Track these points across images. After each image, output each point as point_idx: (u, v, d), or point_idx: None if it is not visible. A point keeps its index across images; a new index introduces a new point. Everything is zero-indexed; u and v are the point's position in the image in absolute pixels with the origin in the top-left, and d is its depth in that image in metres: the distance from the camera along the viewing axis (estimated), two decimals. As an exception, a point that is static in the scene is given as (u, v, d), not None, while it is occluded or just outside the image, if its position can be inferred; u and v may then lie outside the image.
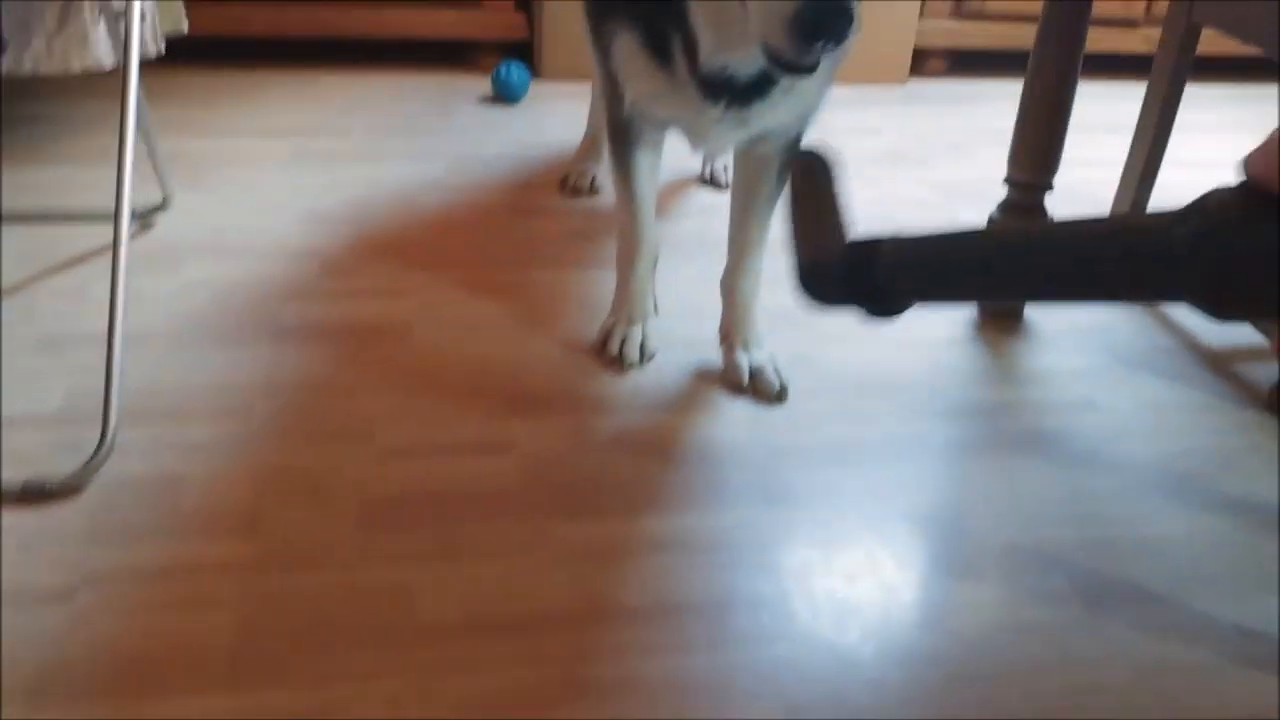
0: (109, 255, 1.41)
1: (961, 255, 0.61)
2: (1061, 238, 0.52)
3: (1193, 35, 1.77)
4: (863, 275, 0.61)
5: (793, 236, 0.68)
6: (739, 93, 1.30)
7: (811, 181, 0.70)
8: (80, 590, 1.11)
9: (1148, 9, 2.88)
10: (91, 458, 1.27)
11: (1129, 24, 2.88)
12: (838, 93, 2.47)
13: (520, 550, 1.21)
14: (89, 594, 1.11)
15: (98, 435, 1.29)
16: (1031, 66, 1.63)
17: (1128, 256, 0.46)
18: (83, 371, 1.43)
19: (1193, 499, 1.38)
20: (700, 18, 1.24)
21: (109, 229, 1.43)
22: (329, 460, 1.32)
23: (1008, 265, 0.56)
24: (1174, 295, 0.44)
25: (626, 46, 1.34)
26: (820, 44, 1.05)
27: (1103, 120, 2.35)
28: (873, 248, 0.61)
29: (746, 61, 1.26)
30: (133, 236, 1.73)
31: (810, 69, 1.13)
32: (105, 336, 1.35)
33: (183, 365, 1.49)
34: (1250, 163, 0.40)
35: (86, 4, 1.88)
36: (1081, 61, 1.61)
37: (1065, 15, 1.58)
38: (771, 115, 1.36)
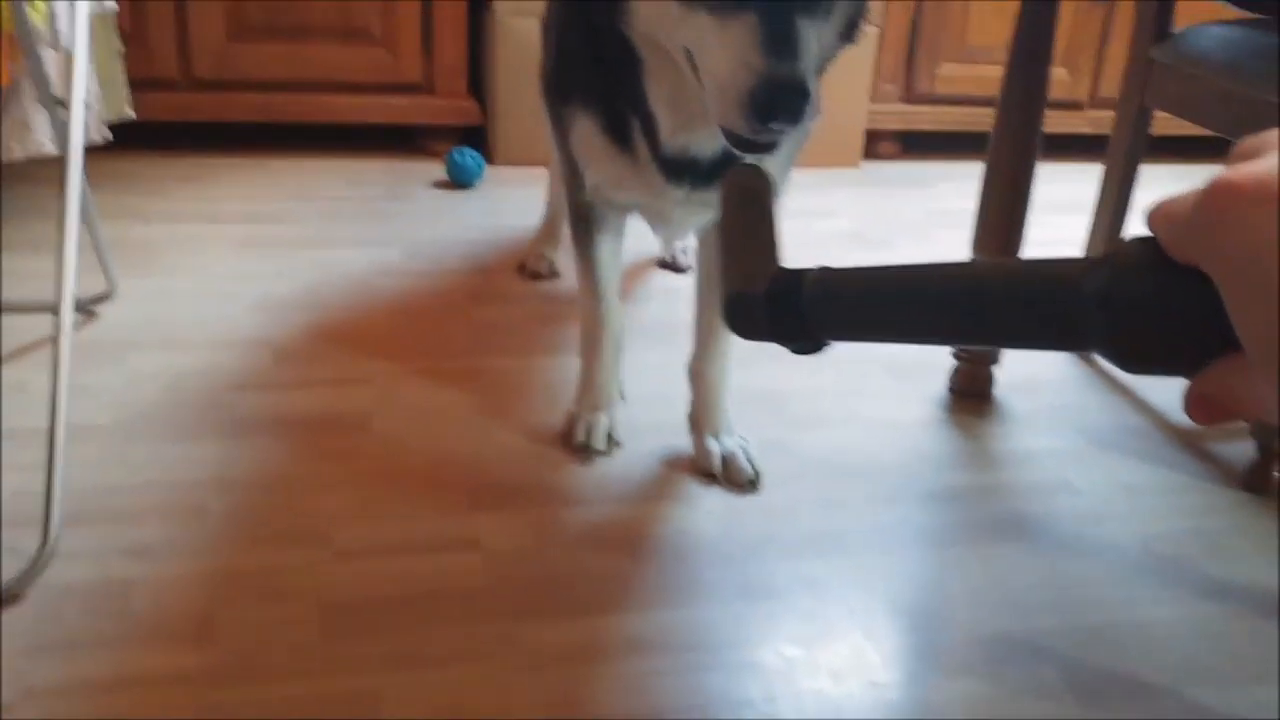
0: (51, 347, 1.35)
1: (881, 291, 0.59)
2: (978, 281, 0.52)
3: (1145, 117, 1.79)
4: (785, 306, 0.59)
5: (721, 260, 0.65)
6: (702, 174, 1.28)
7: (742, 203, 0.68)
8: (20, 706, 1.03)
9: (1093, 92, 2.94)
10: (32, 563, 1.19)
11: (1075, 106, 2.93)
12: (795, 175, 2.47)
13: (490, 654, 1.15)
14: (29, 709, 1.03)
15: (39, 538, 1.22)
16: (991, 152, 1.64)
17: (1041, 304, 0.47)
18: (23, 470, 1.35)
19: (1179, 583, 1.35)
20: (659, 99, 1.22)
21: (52, 320, 1.37)
22: (286, 561, 1.25)
23: (926, 305, 0.55)
24: (1086, 345, 0.43)
25: (585, 130, 1.32)
26: (776, 123, 1.03)
27: (1054, 200, 2.37)
28: (797, 278, 0.58)
29: (708, 142, 1.24)
30: (76, 327, 1.67)
31: (769, 148, 1.11)
32: (47, 433, 1.28)
33: (130, 462, 1.42)
34: (1151, 217, 0.40)
35: (27, 90, 1.83)
36: (1038, 150, 1.61)
37: (1022, 101, 1.59)
38: None
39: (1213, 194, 0.36)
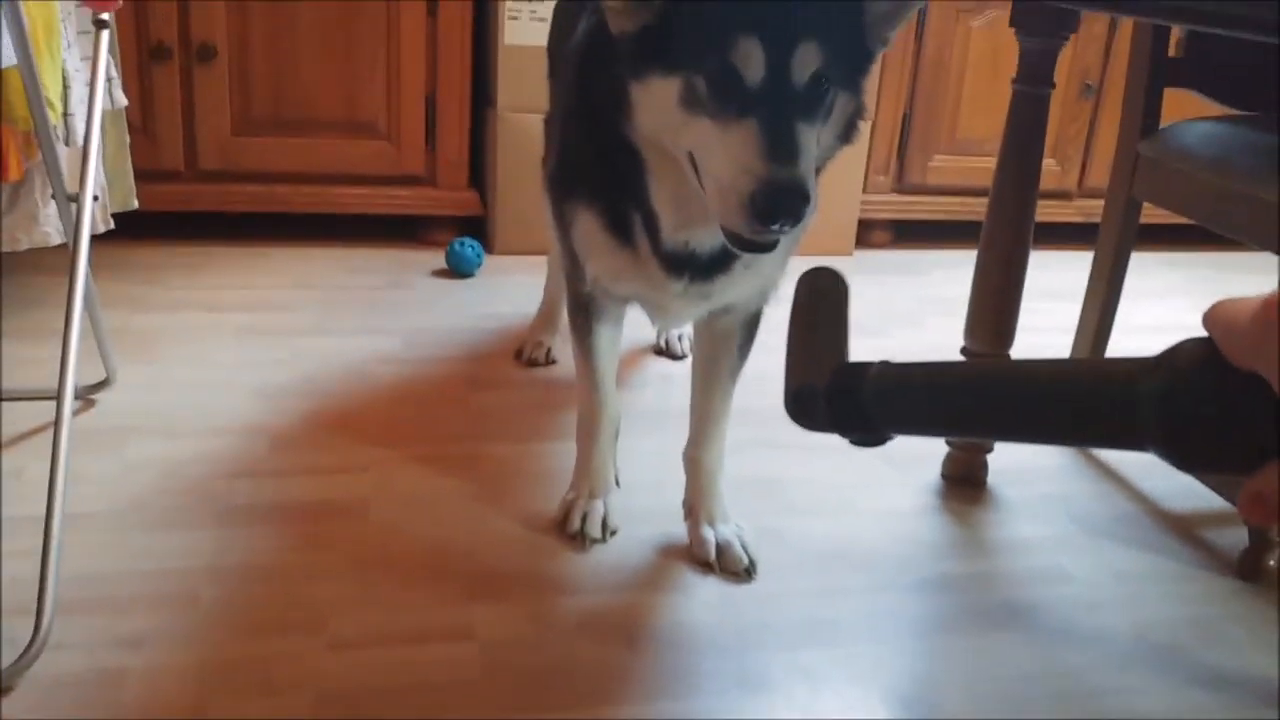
0: (49, 434, 1.36)
1: (941, 387, 0.61)
2: (1037, 380, 0.53)
3: (1134, 208, 1.83)
4: (847, 401, 0.60)
5: (787, 355, 0.67)
6: (701, 268, 1.30)
7: (813, 301, 0.70)
8: (3, 805, 1.02)
9: (1081, 182, 2.99)
10: (23, 654, 1.18)
11: (1064, 196, 2.98)
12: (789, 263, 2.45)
13: (484, 746, 1.14)
14: (13, 809, 1.01)
15: (31, 628, 1.21)
16: (983, 242, 1.67)
17: (1099, 404, 0.48)
18: (17, 557, 1.35)
19: (1174, 673, 1.35)
20: (662, 197, 1.24)
21: (50, 407, 1.38)
22: (280, 651, 1.25)
23: (984, 402, 0.57)
24: (1141, 445, 0.44)
25: (587, 225, 1.34)
26: (777, 225, 1.06)
27: (1044, 287, 2.40)
28: (859, 373, 0.60)
29: (708, 238, 1.27)
30: (74, 414, 1.67)
31: (769, 247, 1.14)
32: (42, 520, 1.28)
33: (124, 550, 1.42)
34: (1208, 319, 0.41)
35: (38, 183, 1.87)
36: (1030, 241, 1.65)
37: (1015, 193, 1.63)
38: (733, 289, 1.36)
39: (1270, 307, 0.38)
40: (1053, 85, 1.60)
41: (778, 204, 1.04)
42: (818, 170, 1.16)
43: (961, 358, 1.72)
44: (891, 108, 2.86)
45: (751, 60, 1.07)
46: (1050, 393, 0.50)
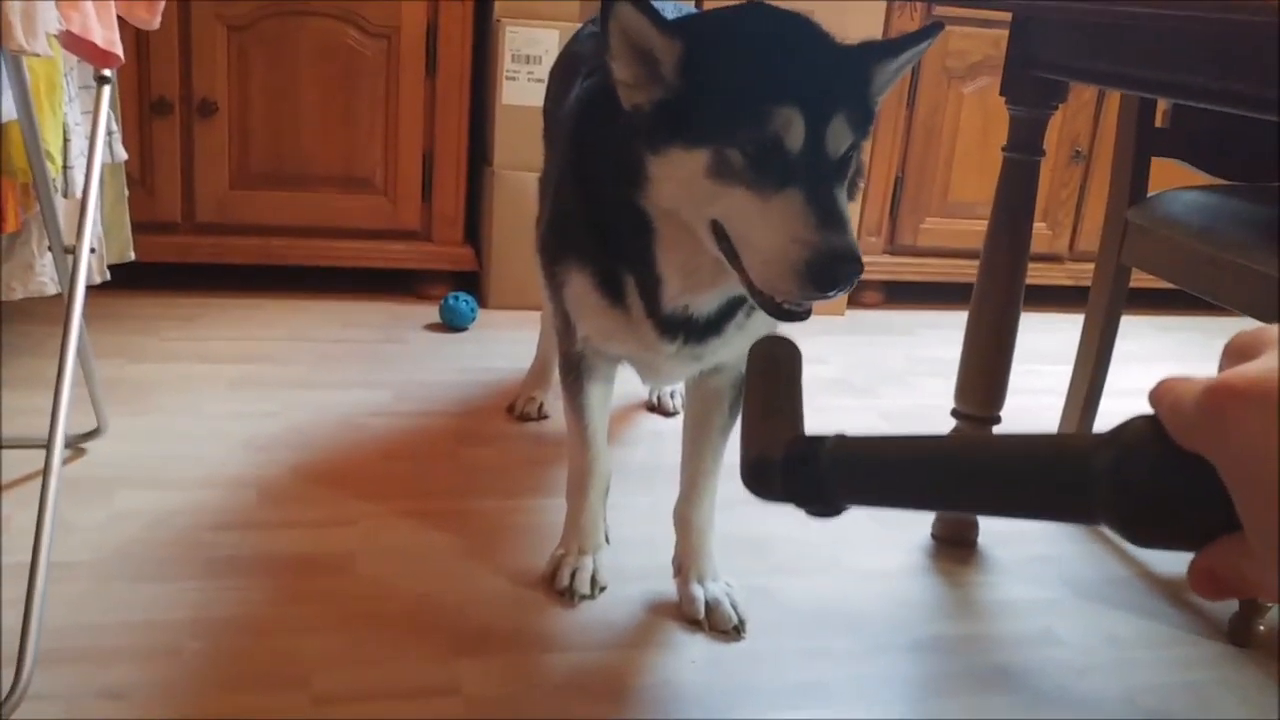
0: (37, 483, 1.35)
1: (896, 461, 0.61)
2: (993, 455, 0.54)
3: (1124, 273, 1.85)
4: (801, 473, 0.61)
5: (743, 425, 0.68)
6: (696, 331, 1.31)
7: (768, 371, 0.70)
8: None
9: (1072, 246, 3.02)
10: (1, 703, 1.17)
11: (1055, 259, 3.01)
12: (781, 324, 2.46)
13: (467, 806, 1.12)
14: None
15: (10, 679, 1.20)
16: (974, 306, 1.68)
17: (1052, 480, 0.48)
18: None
19: (1166, 739, 1.34)
20: (670, 265, 1.25)
21: (40, 455, 1.38)
22: (264, 706, 1.24)
23: (940, 476, 0.57)
24: (1095, 519, 0.45)
25: (579, 286, 1.35)
26: (834, 291, 1.07)
27: (1036, 349, 2.41)
28: (814, 445, 0.61)
29: (708, 302, 1.28)
30: (64, 463, 1.67)
31: (805, 316, 1.15)
32: (27, 569, 1.27)
33: (108, 600, 1.41)
34: (1154, 397, 0.42)
35: (35, 234, 1.88)
36: (1020, 304, 1.66)
37: (1006, 258, 1.64)
38: (724, 350, 1.37)
39: (1214, 394, 0.39)
40: (1042, 153, 1.62)
41: (835, 271, 1.06)
42: None
43: (952, 420, 1.73)
44: (884, 170, 2.89)
45: (793, 130, 1.08)
46: (1006, 468, 0.51)
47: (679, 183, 1.15)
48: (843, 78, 1.15)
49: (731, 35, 1.16)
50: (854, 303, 2.95)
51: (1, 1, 1.12)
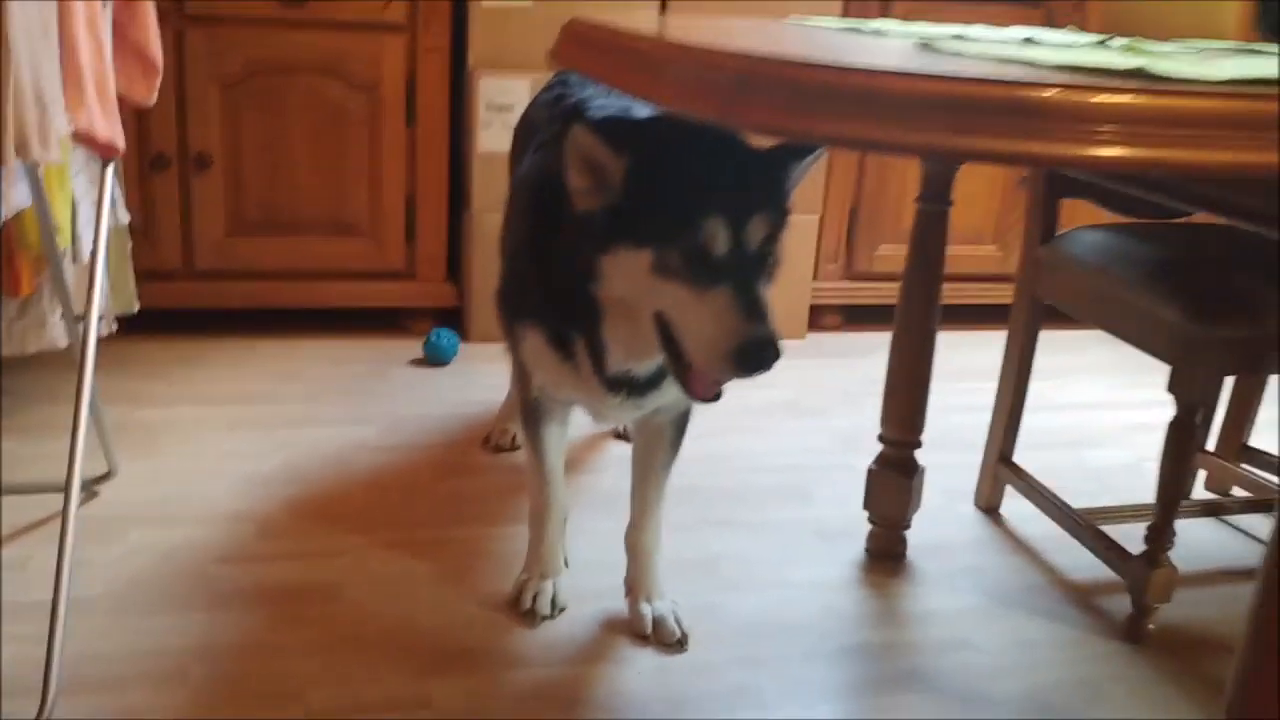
0: (54, 525, 1.53)
1: None
2: None
3: (1039, 304, 2.02)
4: None
5: None
6: (638, 386, 1.49)
7: None
8: None
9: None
10: (29, 730, 1.35)
11: (1005, 279, 3.16)
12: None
13: (436, 803, 1.30)
14: None
15: (35, 707, 1.37)
16: (893, 343, 1.87)
17: None
18: (22, 641, 1.52)
19: (1058, 731, 1.51)
20: (614, 338, 1.42)
21: (56, 499, 1.55)
22: (258, 721, 1.42)
23: None
24: None
25: (534, 342, 1.53)
26: (755, 372, 1.26)
27: (983, 367, 2.57)
28: None
29: (648, 365, 1.46)
30: (79, 506, 1.84)
31: (717, 399, 1.35)
32: (48, 606, 1.45)
33: (122, 632, 1.58)
34: None
35: (47, 294, 2.06)
36: (935, 341, 1.83)
37: (919, 303, 1.83)
38: (662, 398, 1.54)
39: None
40: (950, 203, 1.80)
41: (758, 356, 1.25)
42: None
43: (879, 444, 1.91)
44: (840, 201, 3.07)
45: (719, 237, 1.27)
46: None
47: (626, 277, 1.33)
48: (761, 182, 1.33)
49: (668, 151, 1.33)
50: (814, 326, 3.13)
51: (17, 116, 1.30)
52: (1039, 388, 2.74)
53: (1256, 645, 1.16)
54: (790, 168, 1.37)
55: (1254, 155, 0.77)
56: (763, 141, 1.33)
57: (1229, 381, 2.12)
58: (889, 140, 0.76)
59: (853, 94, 0.75)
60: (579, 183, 1.33)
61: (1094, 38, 1.54)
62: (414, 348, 2.79)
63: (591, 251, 1.34)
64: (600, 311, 1.40)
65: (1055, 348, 2.97)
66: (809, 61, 0.78)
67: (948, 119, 0.74)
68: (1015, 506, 2.11)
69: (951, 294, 3.08)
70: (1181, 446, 1.69)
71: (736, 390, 2.64)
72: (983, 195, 3.16)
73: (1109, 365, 2.96)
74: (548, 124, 1.66)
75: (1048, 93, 0.71)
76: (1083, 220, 2.00)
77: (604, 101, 1.57)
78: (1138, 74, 0.81)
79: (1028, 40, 1.44)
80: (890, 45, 1.15)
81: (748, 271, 1.28)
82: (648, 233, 1.29)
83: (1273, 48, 1.55)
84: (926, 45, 1.11)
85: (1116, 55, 1.05)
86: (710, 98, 0.83)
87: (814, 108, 0.76)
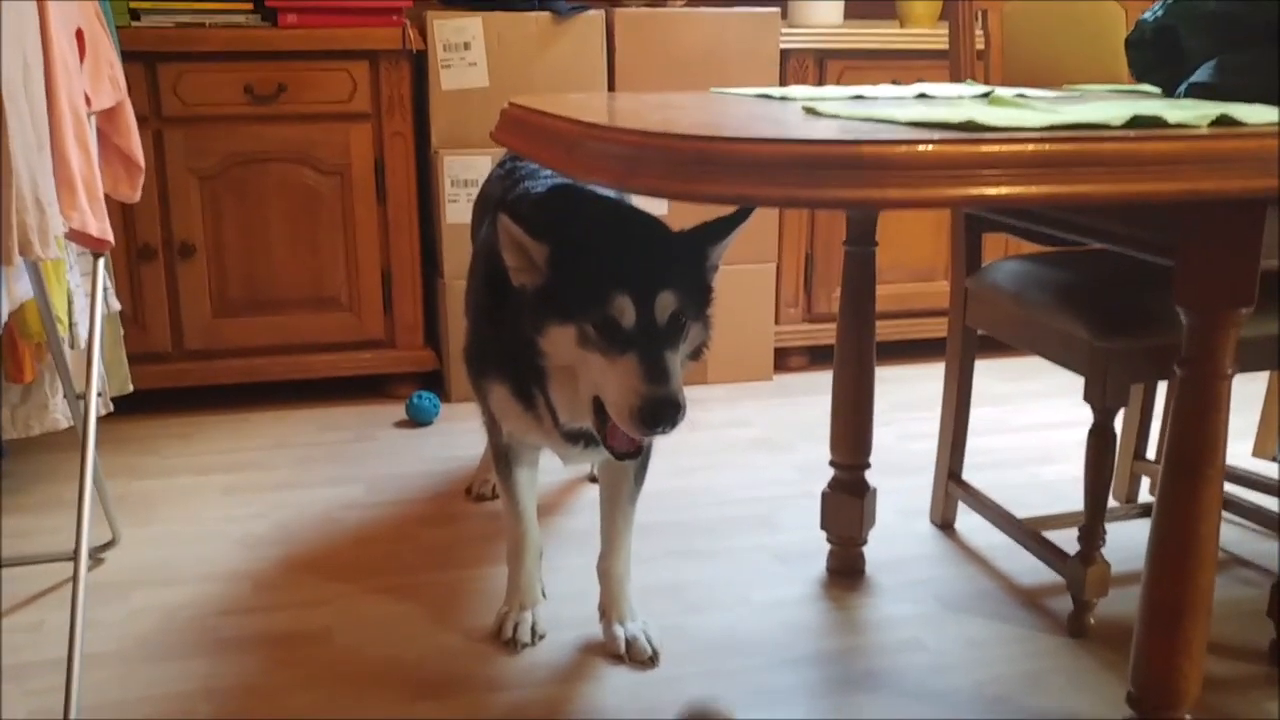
0: (62, 591, 1.66)
1: None
2: None
3: (971, 332, 2.18)
4: None
5: None
6: (593, 437, 1.63)
7: None
8: None
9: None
10: (53, 771, 1.47)
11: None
12: (715, 391, 2.89)
13: (427, 814, 1.42)
14: None
15: (57, 751, 1.50)
16: (834, 378, 2.01)
17: None
18: (40, 695, 1.65)
19: (1001, 717, 1.64)
20: (559, 399, 1.57)
21: (65, 568, 1.69)
22: (261, 752, 1.54)
23: None
24: None
25: (500, 395, 1.68)
26: (659, 429, 1.40)
27: (933, 397, 2.73)
28: None
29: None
30: (86, 572, 1.98)
31: (635, 455, 1.50)
32: (63, 663, 1.58)
33: (132, 681, 1.71)
34: None
35: (48, 379, 2.21)
36: (874, 370, 1.98)
37: (853, 336, 1.97)
38: None
39: None
40: (875, 244, 1.96)
41: (658, 414, 1.39)
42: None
43: (831, 469, 2.05)
44: (795, 249, 3.24)
45: (625, 311, 1.42)
46: None
47: (560, 350, 1.49)
48: (671, 262, 1.48)
49: (586, 235, 1.49)
50: (780, 368, 3.29)
51: (20, 219, 1.46)
52: (995, 412, 2.92)
53: (1146, 621, 1.31)
54: (708, 248, 1.54)
55: (1063, 187, 0.93)
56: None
57: (1164, 394, 2.28)
58: (756, 195, 0.92)
59: (722, 160, 0.91)
60: (512, 262, 1.50)
61: (981, 90, 1.71)
62: (397, 411, 2.94)
63: (530, 326, 1.50)
64: (547, 376, 1.55)
65: (1009, 374, 3.15)
66: (686, 134, 0.94)
67: (801, 174, 0.89)
68: (968, 522, 2.25)
69: (906, 329, 3.31)
70: (1101, 450, 1.83)
71: (709, 431, 2.81)
72: (930, 236, 3.33)
73: (1059, 388, 3.11)
74: (501, 196, 1.83)
75: (874, 149, 0.87)
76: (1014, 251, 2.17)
77: (548, 174, 1.74)
78: (967, 126, 0.97)
79: (921, 95, 1.62)
80: (785, 111, 1.32)
81: (655, 341, 1.43)
82: (570, 309, 1.45)
83: (1153, 90, 1.74)
84: (810, 110, 1.27)
85: (974, 108, 1.22)
86: (610, 169, 0.99)
87: (691, 174, 0.92)
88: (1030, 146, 0.92)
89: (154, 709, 1.64)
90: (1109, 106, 1.21)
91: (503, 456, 1.81)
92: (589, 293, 1.43)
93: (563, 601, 1.93)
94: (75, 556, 1.71)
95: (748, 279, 3.15)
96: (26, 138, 1.49)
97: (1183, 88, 1.56)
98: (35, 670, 1.73)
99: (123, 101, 1.94)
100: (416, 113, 2.95)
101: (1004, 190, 0.90)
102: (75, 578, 1.68)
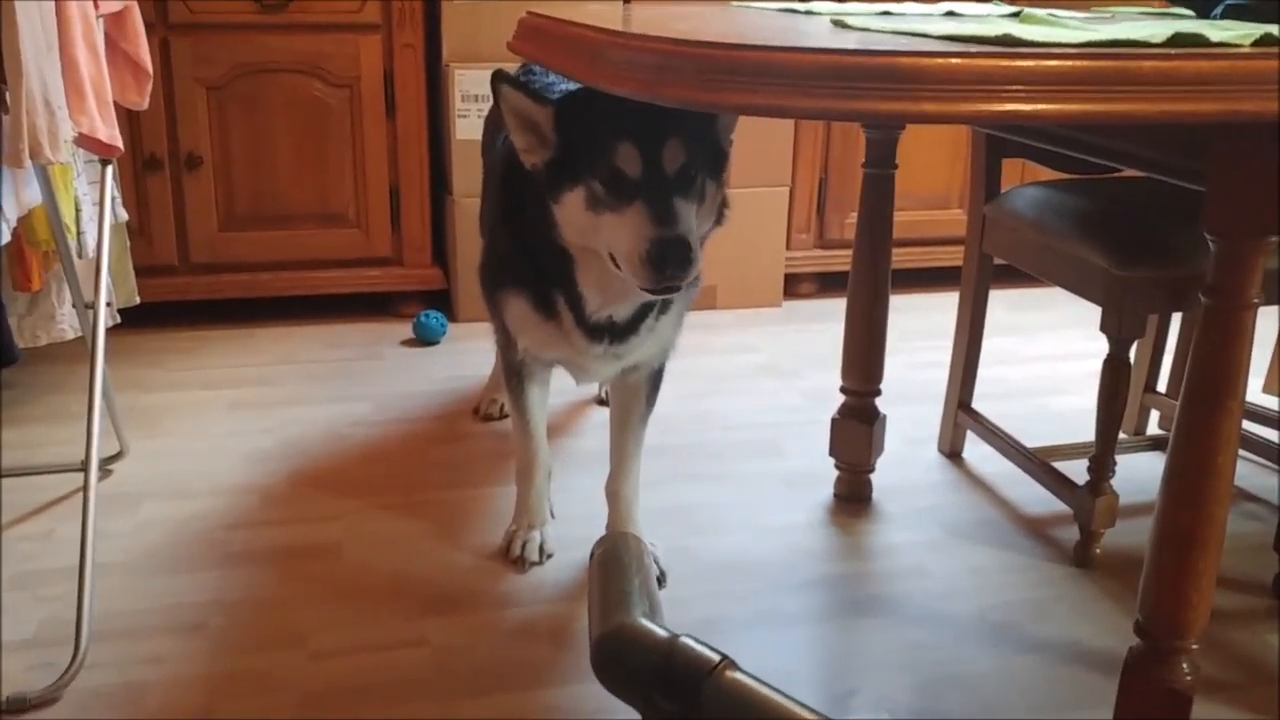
0: (72, 501, 1.66)
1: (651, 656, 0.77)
2: None
3: (987, 259, 2.15)
4: (614, 661, 0.76)
5: (589, 612, 0.85)
6: (618, 333, 1.61)
7: (608, 567, 0.89)
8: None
9: (982, 230, 3.32)
10: (65, 672, 1.48)
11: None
12: (724, 317, 2.86)
13: (435, 726, 1.44)
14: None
15: (70, 655, 1.51)
16: (849, 299, 1.99)
17: None
18: (54, 602, 1.66)
19: (1004, 643, 1.65)
20: (588, 284, 1.55)
21: (73, 478, 1.68)
22: (271, 663, 1.55)
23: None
24: None
25: (517, 307, 1.66)
26: (669, 271, 1.37)
27: (945, 326, 2.71)
28: (621, 634, 0.76)
29: (625, 308, 1.58)
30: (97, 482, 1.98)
31: (672, 290, 1.44)
32: (73, 571, 1.58)
33: (142, 591, 1.72)
34: None
35: (54, 289, 2.20)
36: (888, 295, 1.96)
37: (870, 257, 1.95)
38: (640, 350, 1.67)
39: None
40: (895, 167, 1.93)
41: (666, 255, 1.37)
42: (700, 241, 1.47)
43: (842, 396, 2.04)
44: (809, 173, 3.20)
45: (631, 160, 1.39)
46: None
47: (574, 220, 1.46)
48: (682, 116, 1.41)
49: (590, 97, 1.45)
50: (790, 294, 3.26)
51: (30, 122, 1.43)
52: (1007, 342, 2.91)
53: (1157, 550, 1.30)
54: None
55: (1100, 105, 0.90)
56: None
57: (1178, 325, 2.26)
58: (789, 106, 0.89)
59: (753, 68, 0.88)
60: (520, 142, 1.47)
61: (1010, 9, 1.67)
62: (404, 329, 2.93)
63: (546, 205, 1.47)
64: (572, 262, 1.53)
65: (1023, 305, 3.13)
66: (717, 43, 0.91)
67: (836, 86, 0.87)
68: (977, 451, 2.25)
69: (919, 258, 3.28)
70: (1115, 380, 1.82)
71: (717, 355, 2.80)
72: (945, 163, 3.30)
73: (1073, 319, 3.09)
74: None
75: (911, 60, 0.84)
76: (1031, 179, 2.13)
77: (563, 85, 1.70)
78: (1002, 40, 0.94)
79: (949, 13, 1.58)
80: (811, 24, 1.28)
81: (663, 189, 1.39)
82: (577, 172, 1.42)
83: (1185, 12, 1.69)
84: (839, 23, 1.23)
85: (1007, 24, 1.18)
86: (637, 78, 0.96)
87: (722, 83, 0.89)
88: (1068, 63, 0.89)
89: (166, 617, 1.65)
90: (1147, 25, 1.17)
91: (515, 375, 1.80)
92: (596, 148, 1.41)
93: (570, 522, 1.93)
94: (85, 467, 1.71)
95: (760, 202, 3.11)
96: (36, 38, 1.45)
97: (1219, 9, 1.51)
98: (46, 578, 1.74)
99: (130, 5, 1.89)
100: (428, 25, 2.89)
101: (1040, 107, 0.87)
102: (85, 487, 1.69)
